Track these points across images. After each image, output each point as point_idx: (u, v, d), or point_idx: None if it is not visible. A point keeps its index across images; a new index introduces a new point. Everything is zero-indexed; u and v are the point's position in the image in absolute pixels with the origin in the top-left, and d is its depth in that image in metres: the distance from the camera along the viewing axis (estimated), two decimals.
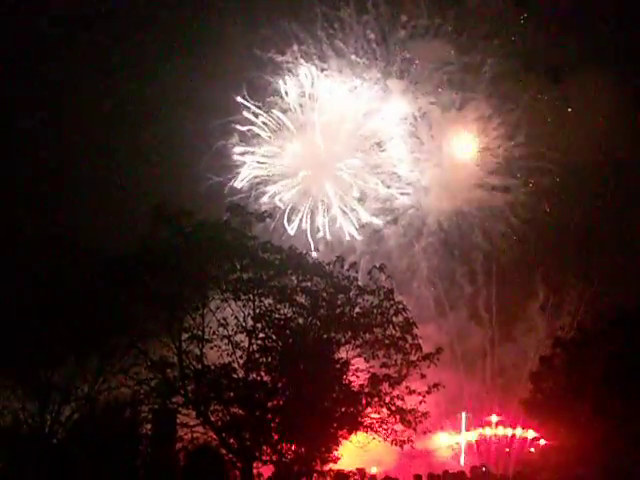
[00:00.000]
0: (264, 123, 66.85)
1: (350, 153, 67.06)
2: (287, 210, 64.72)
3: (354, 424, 32.55)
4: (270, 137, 66.58)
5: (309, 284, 33.57)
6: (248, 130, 66.27)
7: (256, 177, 66.03)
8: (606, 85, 61.36)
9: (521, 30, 64.88)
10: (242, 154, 66.09)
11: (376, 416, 32.82)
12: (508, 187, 66.86)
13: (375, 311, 33.33)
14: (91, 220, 53.25)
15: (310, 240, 63.40)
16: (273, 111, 66.60)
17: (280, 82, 65.97)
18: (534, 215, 66.13)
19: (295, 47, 65.21)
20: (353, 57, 65.95)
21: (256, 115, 66.35)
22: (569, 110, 64.56)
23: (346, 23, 65.56)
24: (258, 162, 66.51)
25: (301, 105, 66.77)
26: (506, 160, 67.00)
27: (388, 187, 67.30)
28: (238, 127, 66.17)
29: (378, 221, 66.50)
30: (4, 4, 59.32)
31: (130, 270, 33.28)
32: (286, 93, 66.48)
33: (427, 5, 64.98)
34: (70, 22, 59.61)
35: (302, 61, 65.62)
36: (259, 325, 33.08)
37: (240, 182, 65.23)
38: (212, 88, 63.05)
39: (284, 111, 66.92)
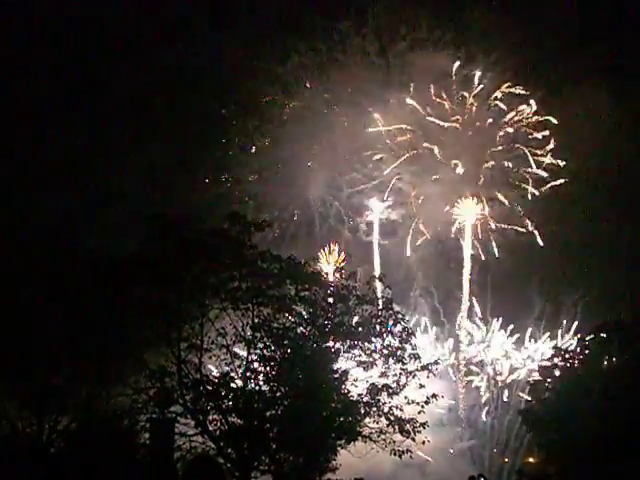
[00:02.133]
0: (262, 136, 67.12)
1: (350, 167, 67.36)
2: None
3: (352, 434, 32.46)
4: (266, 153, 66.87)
5: (308, 293, 33.57)
6: (246, 144, 66.62)
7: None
8: (606, 98, 61.77)
9: (520, 44, 65.35)
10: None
11: (375, 426, 32.74)
12: (504, 199, 67.18)
13: (374, 321, 33.35)
14: (89, 226, 53.30)
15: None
16: (271, 124, 66.90)
17: (280, 94, 66.31)
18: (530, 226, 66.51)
19: (295, 59, 65.60)
20: (353, 69, 66.35)
21: (255, 128, 66.63)
22: (568, 122, 64.96)
23: (346, 35, 66.01)
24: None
25: (300, 119, 67.02)
26: (503, 172, 67.34)
27: (385, 200, 67.59)
28: (237, 139, 66.63)
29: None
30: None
31: (128, 278, 33.26)
32: (285, 106, 66.74)
33: (426, 18, 65.44)
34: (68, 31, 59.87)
35: (302, 73, 66.00)
36: (258, 334, 33.04)
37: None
38: (212, 99, 63.52)
39: (283, 124, 67.17)
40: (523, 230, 65.92)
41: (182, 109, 61.90)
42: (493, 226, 66.51)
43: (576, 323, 62.74)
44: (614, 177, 62.74)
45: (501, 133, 66.35)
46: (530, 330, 64.61)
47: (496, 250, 65.59)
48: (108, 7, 61.15)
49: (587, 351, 37.35)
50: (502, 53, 65.82)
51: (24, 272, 33.49)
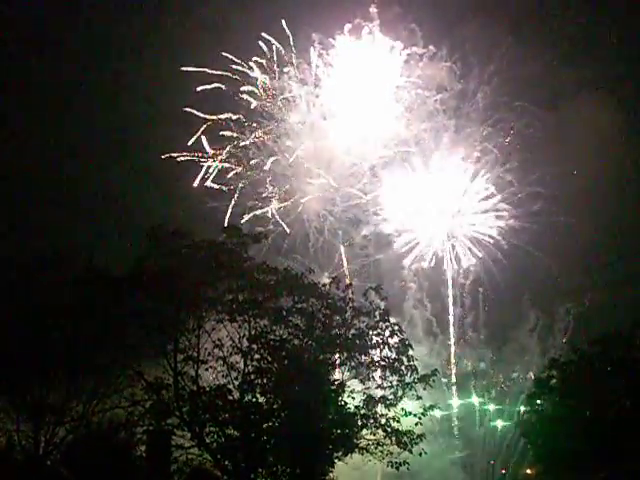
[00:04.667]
0: (258, 148, 67.34)
1: (344, 180, 67.57)
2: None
3: (350, 446, 32.41)
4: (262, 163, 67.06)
5: (305, 305, 33.58)
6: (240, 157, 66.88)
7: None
8: (600, 111, 62.12)
9: (515, 57, 65.74)
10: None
11: (372, 438, 32.66)
12: (500, 211, 67.48)
13: (371, 332, 33.35)
14: (87, 240, 53.32)
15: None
16: (266, 137, 67.11)
17: (275, 108, 66.57)
18: (524, 238, 66.82)
19: (291, 72, 65.90)
20: (348, 82, 66.59)
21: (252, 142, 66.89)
22: (562, 136, 65.37)
23: (341, 49, 66.32)
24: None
25: (297, 132, 67.24)
26: (498, 186, 67.65)
27: (378, 214, 67.83)
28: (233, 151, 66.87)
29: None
30: None
31: (125, 290, 33.25)
32: (279, 119, 66.95)
33: (422, 32, 65.81)
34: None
35: (296, 86, 66.27)
36: (254, 346, 33.00)
37: None
38: (208, 110, 63.86)
39: (278, 137, 67.41)
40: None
41: None
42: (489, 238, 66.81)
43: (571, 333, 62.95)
44: (611, 189, 63.11)
45: None
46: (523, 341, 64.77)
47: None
48: None
49: (584, 362, 37.39)
50: (497, 66, 66.22)
51: (22, 288, 33.48)
